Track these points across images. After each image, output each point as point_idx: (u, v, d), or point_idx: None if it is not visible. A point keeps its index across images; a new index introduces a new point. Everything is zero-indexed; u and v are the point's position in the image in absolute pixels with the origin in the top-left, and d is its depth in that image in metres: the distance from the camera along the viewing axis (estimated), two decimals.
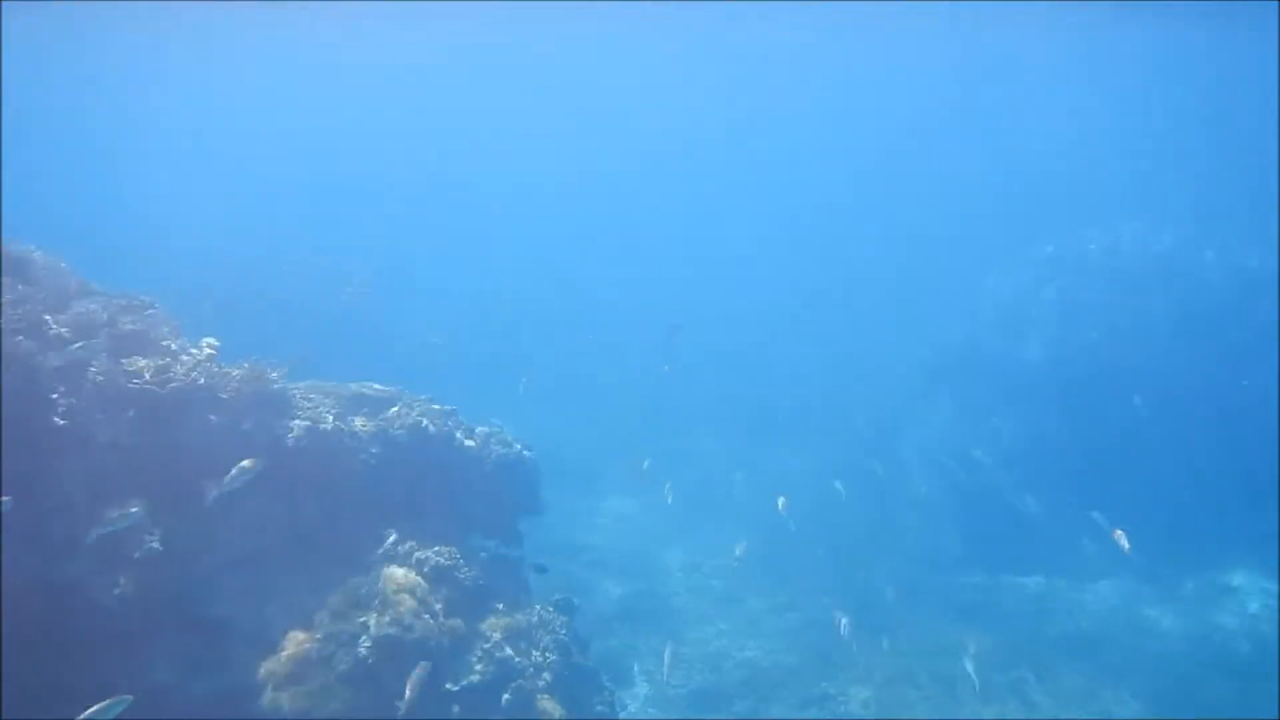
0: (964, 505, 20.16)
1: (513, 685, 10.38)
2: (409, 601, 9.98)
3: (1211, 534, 18.78)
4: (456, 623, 10.20)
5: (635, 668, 15.80)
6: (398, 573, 10.30)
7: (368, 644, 9.51)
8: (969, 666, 13.59)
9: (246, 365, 10.99)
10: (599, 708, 11.60)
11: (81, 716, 7.70)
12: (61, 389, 9.43)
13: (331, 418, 10.90)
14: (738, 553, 16.37)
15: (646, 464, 17.46)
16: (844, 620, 13.10)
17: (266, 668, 9.40)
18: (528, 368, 24.71)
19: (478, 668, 10.19)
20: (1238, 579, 18.30)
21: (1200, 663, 16.37)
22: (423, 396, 11.92)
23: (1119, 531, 13.16)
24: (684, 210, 40.19)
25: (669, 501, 16.67)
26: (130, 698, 8.08)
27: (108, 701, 7.90)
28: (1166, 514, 18.62)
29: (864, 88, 35.72)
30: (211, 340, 10.59)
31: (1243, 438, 19.33)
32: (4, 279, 9.60)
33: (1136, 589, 18.25)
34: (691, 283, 32.45)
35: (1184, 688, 15.80)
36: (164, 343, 10.46)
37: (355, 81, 47.87)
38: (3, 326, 9.13)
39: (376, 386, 11.79)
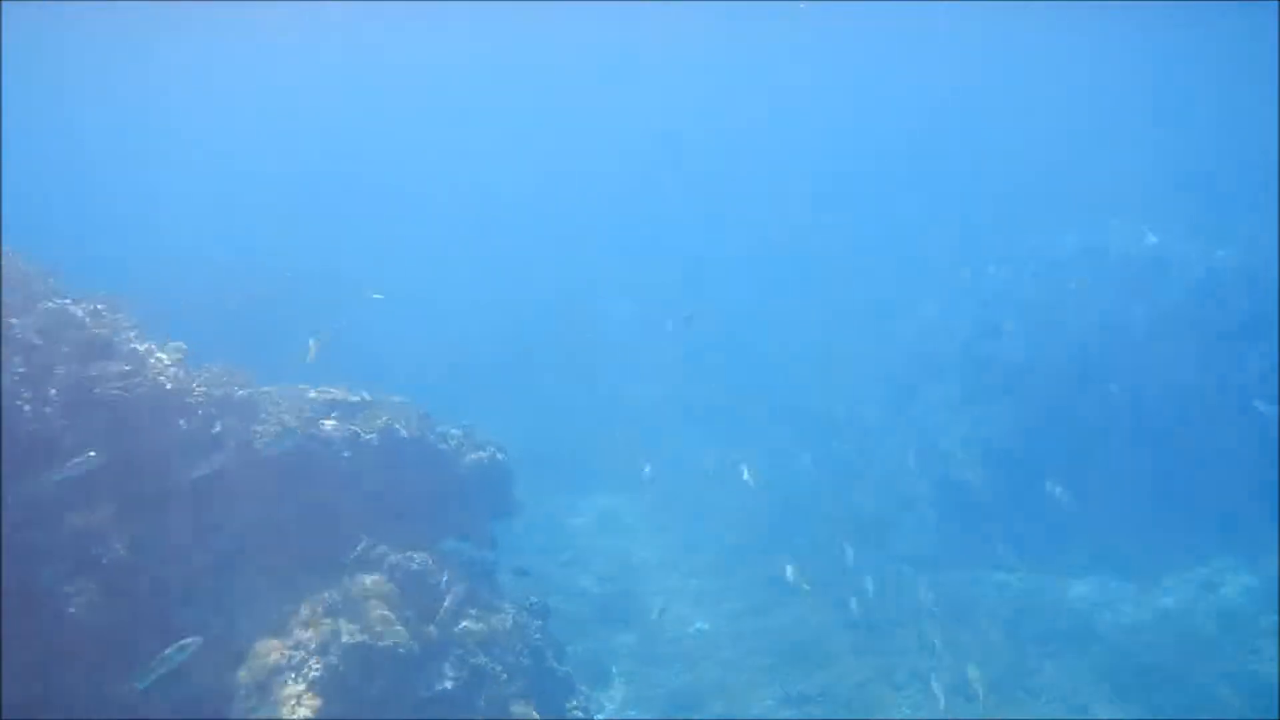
0: (946, 502, 20.26)
1: (486, 692, 10.44)
2: (381, 608, 10.02)
3: (1193, 529, 18.96)
4: (429, 629, 10.23)
5: (613, 669, 15.86)
6: (369, 579, 10.33)
7: (338, 651, 9.54)
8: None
9: (216, 369, 10.99)
10: (575, 713, 11.69)
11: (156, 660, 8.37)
12: (27, 394, 9.40)
13: (301, 422, 10.89)
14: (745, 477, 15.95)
15: (648, 470, 17.48)
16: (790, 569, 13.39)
17: (237, 675, 9.42)
18: (526, 369, 24.68)
19: (451, 674, 10.24)
20: (1219, 574, 18.48)
21: (1182, 659, 16.53)
22: (395, 399, 11.92)
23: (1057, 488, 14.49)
24: (676, 208, 40.02)
25: (647, 472, 16.74)
26: (199, 639, 8.48)
27: (175, 646, 8.46)
28: (1148, 509, 18.83)
29: (853, 84, 35.81)
30: (179, 344, 10.58)
31: (1225, 433, 19.54)
32: None
33: (1118, 585, 18.40)
34: (685, 282, 32.35)
35: (1166, 685, 15.95)
36: (131, 347, 10.43)
37: (354, 84, 47.45)
38: None
39: (348, 390, 11.78)
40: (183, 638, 9.50)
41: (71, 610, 9.16)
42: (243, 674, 9.37)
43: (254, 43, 34.25)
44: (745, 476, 15.50)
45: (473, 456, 12.08)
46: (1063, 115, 34.19)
